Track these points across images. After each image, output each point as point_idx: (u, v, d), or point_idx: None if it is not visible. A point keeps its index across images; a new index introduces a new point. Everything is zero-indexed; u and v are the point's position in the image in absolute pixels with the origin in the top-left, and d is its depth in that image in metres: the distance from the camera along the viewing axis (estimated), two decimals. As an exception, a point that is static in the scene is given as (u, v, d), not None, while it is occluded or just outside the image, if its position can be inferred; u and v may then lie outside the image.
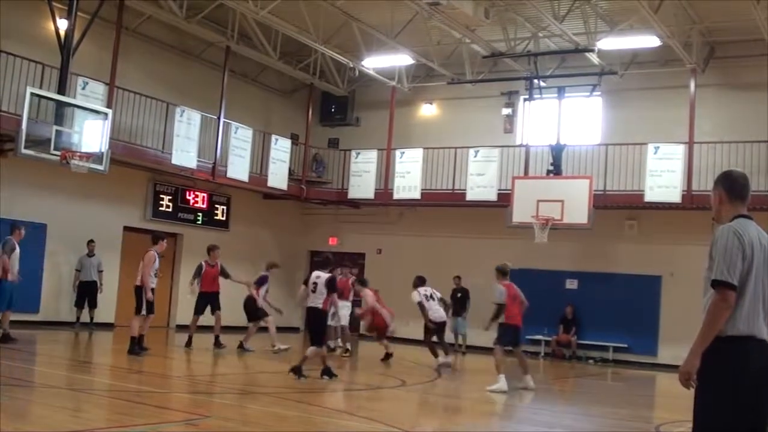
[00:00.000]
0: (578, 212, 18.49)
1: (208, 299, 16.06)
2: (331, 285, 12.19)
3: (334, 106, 24.79)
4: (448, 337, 20.62)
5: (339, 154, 23.94)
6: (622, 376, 18.04)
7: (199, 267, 16.07)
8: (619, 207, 19.57)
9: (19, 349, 13.54)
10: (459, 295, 20.41)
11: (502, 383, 12.33)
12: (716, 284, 4.19)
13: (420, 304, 15.27)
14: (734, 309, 4.20)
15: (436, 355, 15.28)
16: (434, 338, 15.58)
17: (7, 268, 13.95)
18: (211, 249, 16.35)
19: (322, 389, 11.73)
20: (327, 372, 12.16)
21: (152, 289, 13.90)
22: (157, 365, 13.51)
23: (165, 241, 14.58)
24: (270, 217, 23.48)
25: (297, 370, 11.82)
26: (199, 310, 16.06)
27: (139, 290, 13.78)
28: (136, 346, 13.67)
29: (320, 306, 12.06)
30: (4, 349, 12.88)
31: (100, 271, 18.16)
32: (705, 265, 4.32)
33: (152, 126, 19.07)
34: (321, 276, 12.22)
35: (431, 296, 15.60)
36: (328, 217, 24.57)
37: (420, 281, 15.77)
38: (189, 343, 15.78)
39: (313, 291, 12.13)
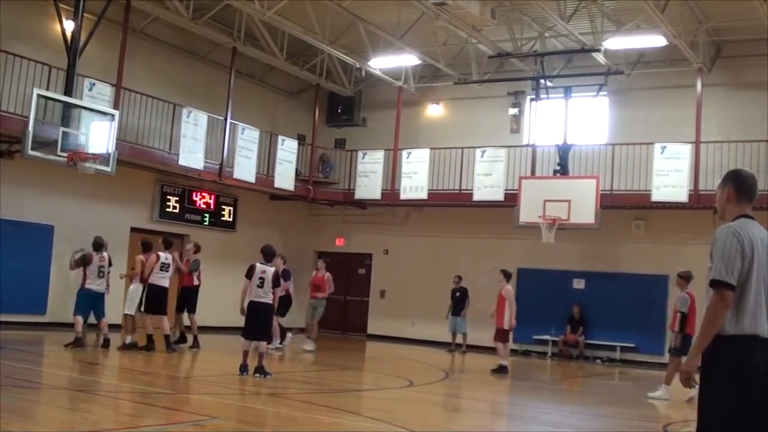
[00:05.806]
0: (585, 212, 18.48)
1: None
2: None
3: (341, 107, 24.79)
4: (448, 336, 20.72)
5: (346, 154, 23.94)
6: (630, 375, 18.00)
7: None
8: (626, 207, 19.53)
9: (28, 350, 13.58)
10: (458, 294, 20.48)
11: (664, 392, 12.60)
12: (714, 284, 4.22)
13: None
14: (738, 308, 4.22)
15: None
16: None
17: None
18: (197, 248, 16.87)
19: (329, 390, 11.72)
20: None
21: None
22: (164, 366, 13.53)
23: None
24: (277, 217, 23.48)
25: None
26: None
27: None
28: (171, 344, 14.69)
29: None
30: (9, 351, 12.92)
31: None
32: (707, 265, 4.34)
33: (159, 127, 19.11)
34: (268, 270, 12.82)
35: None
36: (334, 218, 24.59)
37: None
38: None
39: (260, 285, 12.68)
